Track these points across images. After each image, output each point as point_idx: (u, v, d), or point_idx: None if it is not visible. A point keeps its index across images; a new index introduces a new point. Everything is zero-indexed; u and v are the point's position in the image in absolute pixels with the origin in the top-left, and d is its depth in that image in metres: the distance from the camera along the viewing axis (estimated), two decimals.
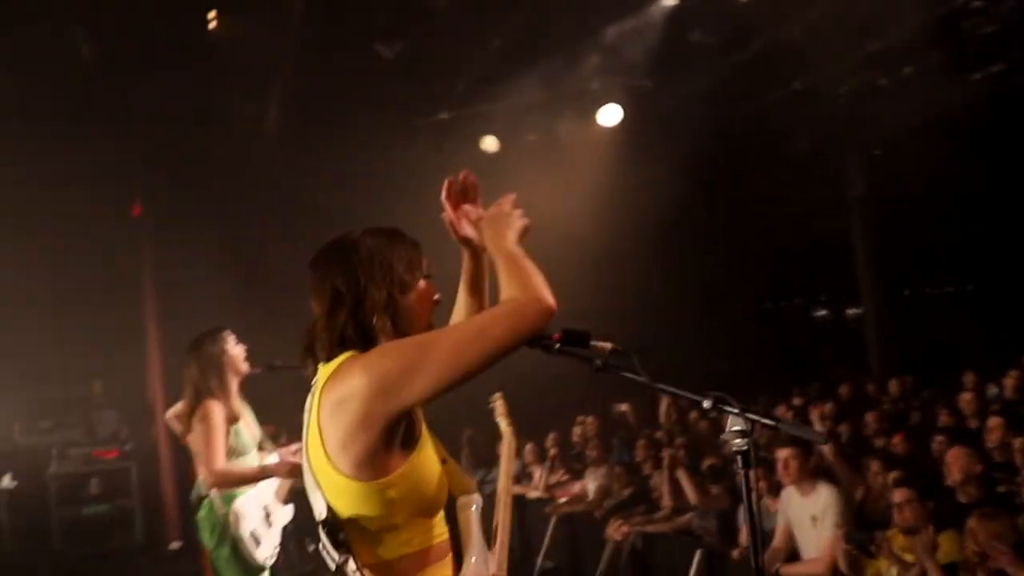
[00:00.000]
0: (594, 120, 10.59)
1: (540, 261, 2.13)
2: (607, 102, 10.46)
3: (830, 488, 5.57)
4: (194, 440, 4.90)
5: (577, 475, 9.21)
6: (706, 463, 7.59)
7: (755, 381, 13.93)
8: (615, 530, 7.37)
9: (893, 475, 5.84)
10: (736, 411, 2.03)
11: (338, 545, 2.06)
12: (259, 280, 11.21)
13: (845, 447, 7.59)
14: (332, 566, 2.09)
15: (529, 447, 10.10)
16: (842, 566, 5.14)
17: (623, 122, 10.52)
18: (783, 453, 5.80)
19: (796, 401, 11.30)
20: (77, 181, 10.27)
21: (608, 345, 2.25)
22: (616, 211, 11.35)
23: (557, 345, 2.25)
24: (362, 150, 11.23)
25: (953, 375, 10.97)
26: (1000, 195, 16.72)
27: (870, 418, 8.69)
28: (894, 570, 4.90)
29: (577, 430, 10.69)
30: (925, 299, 22.15)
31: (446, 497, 2.25)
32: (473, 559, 2.26)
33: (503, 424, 3.03)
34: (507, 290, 2.04)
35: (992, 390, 9.90)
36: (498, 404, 3.14)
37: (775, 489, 6.08)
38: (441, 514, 2.25)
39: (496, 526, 2.56)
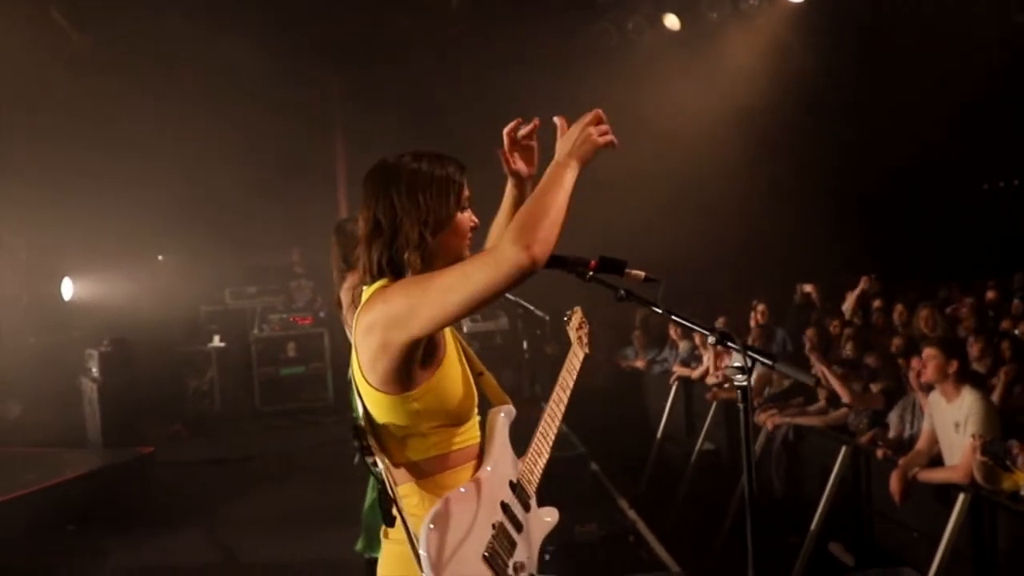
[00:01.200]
0: None
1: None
2: None
3: (975, 395, 5.38)
4: (345, 316, 5.29)
5: None
6: (868, 359, 7.44)
7: (965, 267, 13.35)
8: (767, 418, 7.40)
9: None
10: (737, 347, 2.09)
11: (363, 448, 2.30)
12: None
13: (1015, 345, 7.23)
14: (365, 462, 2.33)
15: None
16: (977, 476, 5.01)
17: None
18: (926, 352, 5.64)
19: (990, 295, 10.74)
20: (278, 62, 10.84)
21: (641, 274, 2.33)
22: (808, 87, 10.97)
23: (591, 273, 2.35)
24: (546, 27, 11.24)
25: None
26: None
27: None
28: None
29: (752, 315, 10.59)
30: None
31: (473, 407, 2.45)
32: (490, 465, 2.44)
33: (573, 336, 3.08)
34: (515, 223, 2.09)
35: None
36: (574, 317, 3.18)
37: (929, 388, 5.93)
38: (472, 421, 2.45)
39: (537, 433, 2.71)
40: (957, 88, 12.95)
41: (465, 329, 9.23)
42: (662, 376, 10.33)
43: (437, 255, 2.33)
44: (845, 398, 6.77)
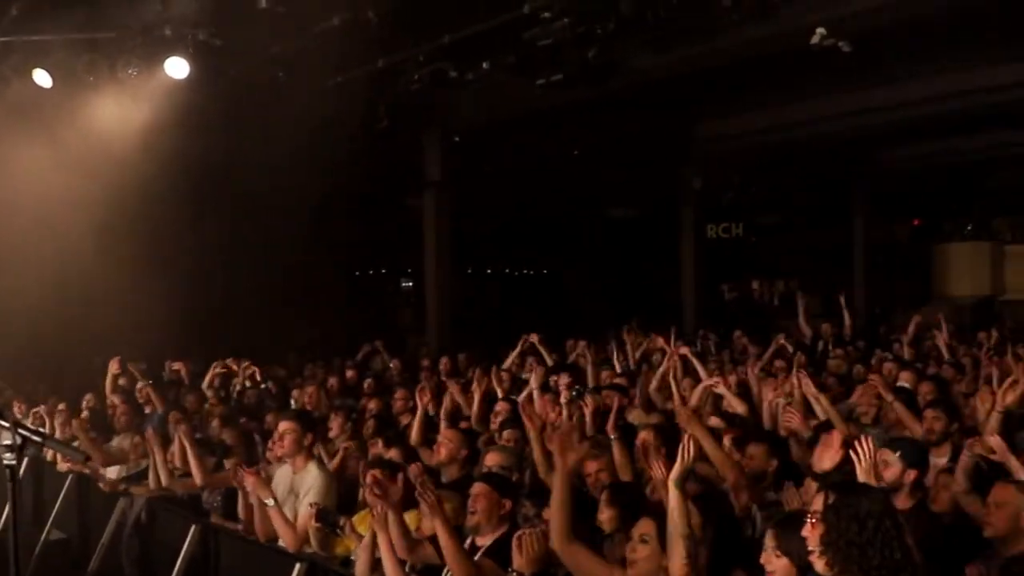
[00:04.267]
0: (162, 70, 9.99)
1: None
2: (177, 52, 9.89)
3: (319, 469, 5.70)
4: None
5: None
6: (219, 436, 7.51)
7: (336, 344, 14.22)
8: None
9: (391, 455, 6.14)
10: (7, 425, 1.96)
11: None
12: None
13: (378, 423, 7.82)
14: None
15: (62, 406, 9.34)
16: (312, 542, 5.30)
17: (192, 78, 10.00)
18: (282, 426, 5.85)
19: (349, 374, 11.54)
20: None
21: None
22: (173, 166, 10.98)
23: None
24: None
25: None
26: (566, 192, 18.33)
27: (399, 395, 9.00)
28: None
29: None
30: (503, 279, 23.76)
31: None
32: None
33: None
34: None
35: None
36: None
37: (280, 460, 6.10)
38: None
39: None
40: (325, 182, 13.91)
41: None
42: None
43: None
44: (197, 479, 6.68)
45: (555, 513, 4.03)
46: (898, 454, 4.88)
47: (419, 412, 7.16)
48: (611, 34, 10.12)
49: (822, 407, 6.38)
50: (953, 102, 14.06)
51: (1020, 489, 4.36)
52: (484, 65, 11.46)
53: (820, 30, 9.27)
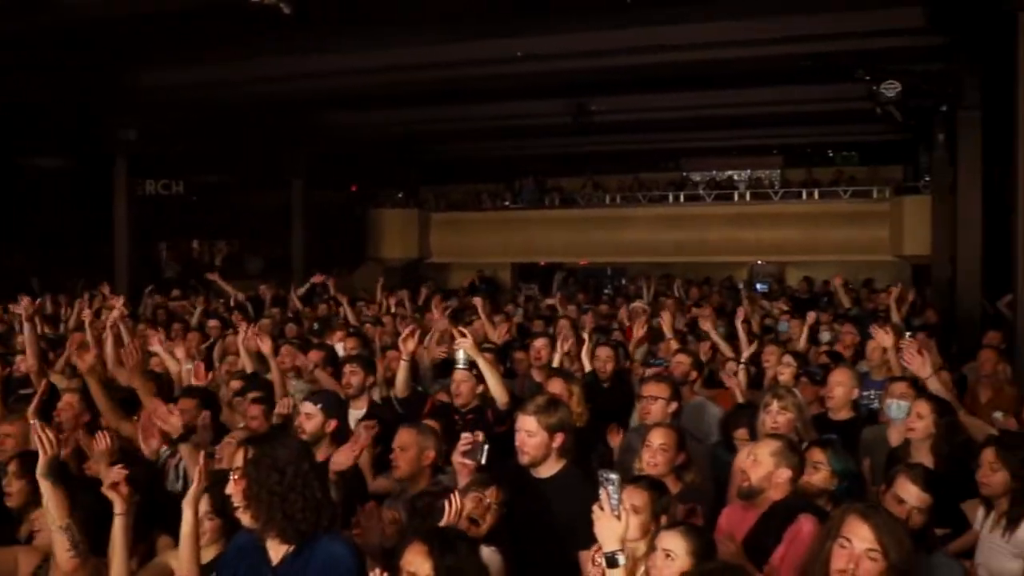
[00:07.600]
0: None
1: None
2: None
3: None
4: None
5: None
6: None
7: None
8: None
9: None
10: None
11: None
12: None
13: None
14: None
15: None
16: None
17: None
18: None
19: None
20: None
21: None
22: None
23: None
24: None
25: None
26: None
27: None
28: None
29: None
30: None
31: None
32: None
33: None
34: None
35: None
36: None
37: None
38: None
39: None
40: None
41: None
42: None
43: None
44: None
45: None
46: (319, 406, 5.10)
47: None
48: None
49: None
50: (383, 76, 14.88)
51: (420, 432, 4.75)
52: None
53: None
